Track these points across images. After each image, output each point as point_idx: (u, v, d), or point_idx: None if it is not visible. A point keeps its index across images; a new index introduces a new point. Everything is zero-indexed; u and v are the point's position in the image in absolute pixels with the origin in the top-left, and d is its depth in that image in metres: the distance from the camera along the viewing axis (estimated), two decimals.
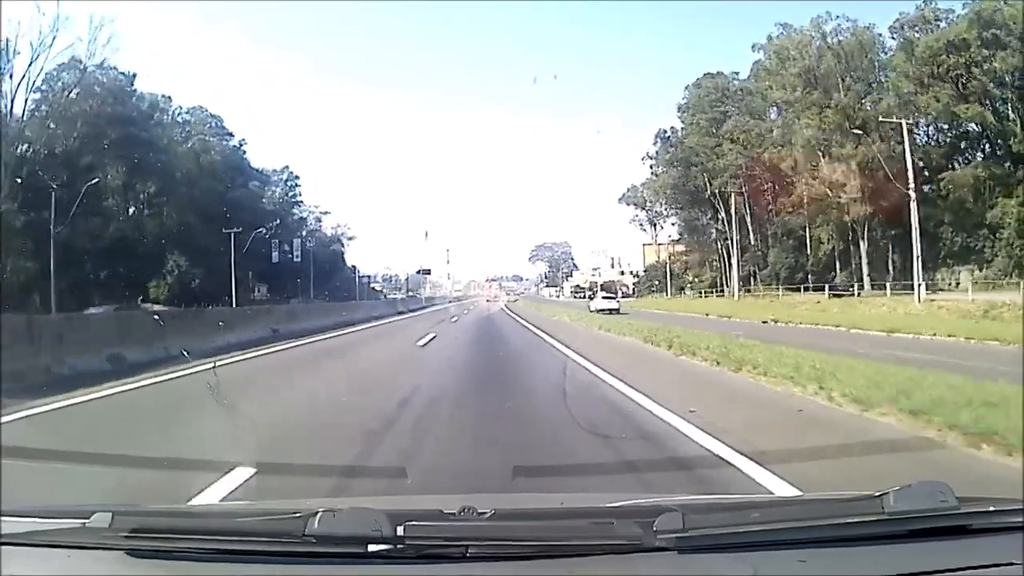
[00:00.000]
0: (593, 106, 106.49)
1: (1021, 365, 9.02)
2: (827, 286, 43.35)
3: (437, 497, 2.93)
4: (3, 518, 1.59)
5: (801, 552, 1.43)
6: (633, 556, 1.42)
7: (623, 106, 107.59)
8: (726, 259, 58.80)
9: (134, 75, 48.69)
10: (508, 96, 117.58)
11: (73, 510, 1.64)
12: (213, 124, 59.81)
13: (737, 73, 58.04)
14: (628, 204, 72.43)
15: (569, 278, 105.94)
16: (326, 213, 77.07)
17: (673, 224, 70.74)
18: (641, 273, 77.38)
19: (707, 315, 32.37)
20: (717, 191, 56.49)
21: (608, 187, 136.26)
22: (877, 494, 1.53)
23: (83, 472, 4.46)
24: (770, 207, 52.82)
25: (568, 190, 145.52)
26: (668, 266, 67.83)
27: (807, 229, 51.47)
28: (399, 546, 1.39)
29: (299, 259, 61.07)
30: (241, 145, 62.50)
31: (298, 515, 1.45)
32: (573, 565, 1.41)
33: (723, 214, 57.71)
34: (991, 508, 1.60)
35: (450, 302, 71.33)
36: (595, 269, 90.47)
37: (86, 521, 1.51)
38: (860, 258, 46.45)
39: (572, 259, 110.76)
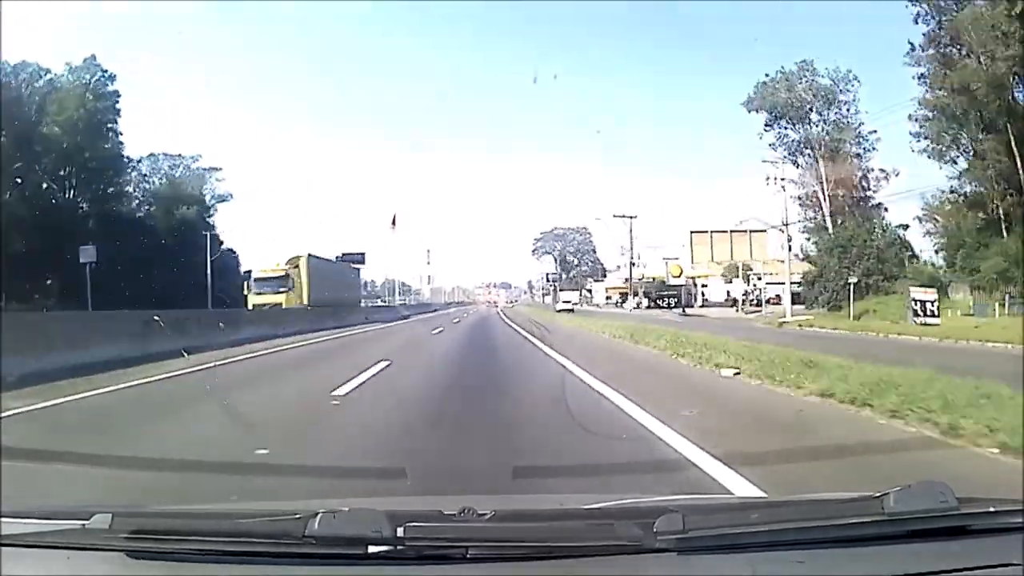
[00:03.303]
0: (589, 105, 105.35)
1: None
2: None
3: (437, 498, 2.93)
4: (3, 519, 1.59)
5: (801, 552, 1.43)
6: (633, 557, 1.42)
7: (617, 105, 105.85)
8: None
9: None
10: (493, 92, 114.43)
11: (73, 511, 1.63)
12: None
13: None
14: (766, 112, 42.88)
15: (610, 273, 73.94)
16: (215, 170, 46.02)
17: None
18: (810, 253, 42.10)
19: None
20: None
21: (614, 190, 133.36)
22: (877, 495, 1.53)
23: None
24: None
25: (564, 184, 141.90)
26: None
27: None
28: (399, 547, 1.39)
29: None
30: None
31: (298, 516, 1.45)
32: (573, 566, 1.41)
33: None
34: (991, 508, 1.59)
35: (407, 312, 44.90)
36: (629, 265, 59.66)
37: (86, 522, 1.51)
38: None
39: (594, 250, 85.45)
